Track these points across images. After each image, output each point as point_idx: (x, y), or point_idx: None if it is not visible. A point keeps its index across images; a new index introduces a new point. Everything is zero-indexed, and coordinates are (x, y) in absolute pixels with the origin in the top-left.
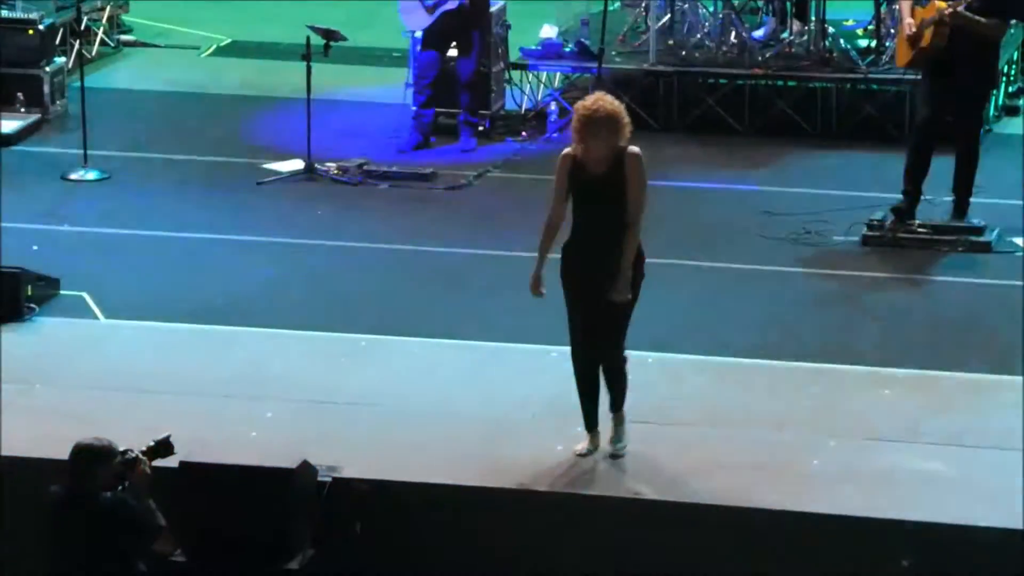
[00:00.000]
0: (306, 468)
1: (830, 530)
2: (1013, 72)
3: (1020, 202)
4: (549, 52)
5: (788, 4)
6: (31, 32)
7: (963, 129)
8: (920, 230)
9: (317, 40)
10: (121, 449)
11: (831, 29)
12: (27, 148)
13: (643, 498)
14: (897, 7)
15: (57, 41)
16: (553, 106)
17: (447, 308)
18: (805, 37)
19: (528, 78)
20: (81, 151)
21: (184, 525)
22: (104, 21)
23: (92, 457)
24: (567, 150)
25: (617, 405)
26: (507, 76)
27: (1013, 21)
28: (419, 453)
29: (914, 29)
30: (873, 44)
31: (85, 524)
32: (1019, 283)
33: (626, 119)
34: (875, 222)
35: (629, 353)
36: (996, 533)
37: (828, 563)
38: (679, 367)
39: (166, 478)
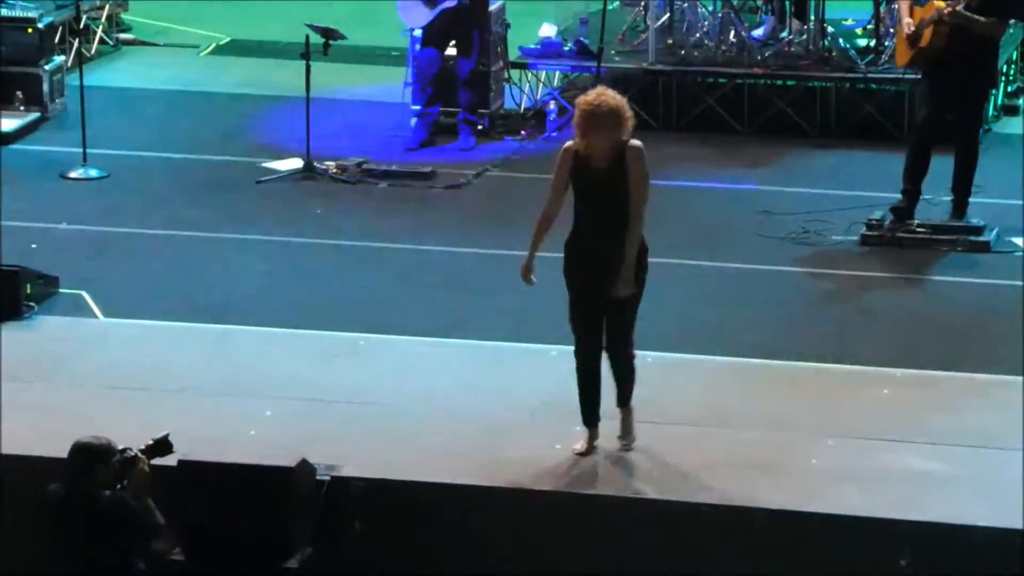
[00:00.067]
0: (305, 467)
1: (829, 529)
2: (1012, 71)
3: (1019, 202)
4: (548, 51)
5: (787, 3)
6: (30, 30)
7: (962, 128)
8: (919, 230)
9: (316, 39)
10: (120, 448)
11: (830, 28)
12: (26, 146)
13: (642, 497)
14: (896, 6)
15: (56, 39)
16: (552, 105)
17: (446, 307)
18: (804, 36)
19: (527, 77)
20: (80, 150)
21: (183, 524)
22: (103, 20)
23: (91, 456)
24: (569, 144)
25: (625, 400)
26: (506, 75)
27: (1012, 20)
28: (418, 452)
29: (913, 28)
30: (872, 43)
31: (84, 523)
32: (1018, 283)
33: (629, 113)
34: (874, 222)
35: None
36: (995, 533)
37: (827, 562)
38: (678, 366)
39: (165, 476)
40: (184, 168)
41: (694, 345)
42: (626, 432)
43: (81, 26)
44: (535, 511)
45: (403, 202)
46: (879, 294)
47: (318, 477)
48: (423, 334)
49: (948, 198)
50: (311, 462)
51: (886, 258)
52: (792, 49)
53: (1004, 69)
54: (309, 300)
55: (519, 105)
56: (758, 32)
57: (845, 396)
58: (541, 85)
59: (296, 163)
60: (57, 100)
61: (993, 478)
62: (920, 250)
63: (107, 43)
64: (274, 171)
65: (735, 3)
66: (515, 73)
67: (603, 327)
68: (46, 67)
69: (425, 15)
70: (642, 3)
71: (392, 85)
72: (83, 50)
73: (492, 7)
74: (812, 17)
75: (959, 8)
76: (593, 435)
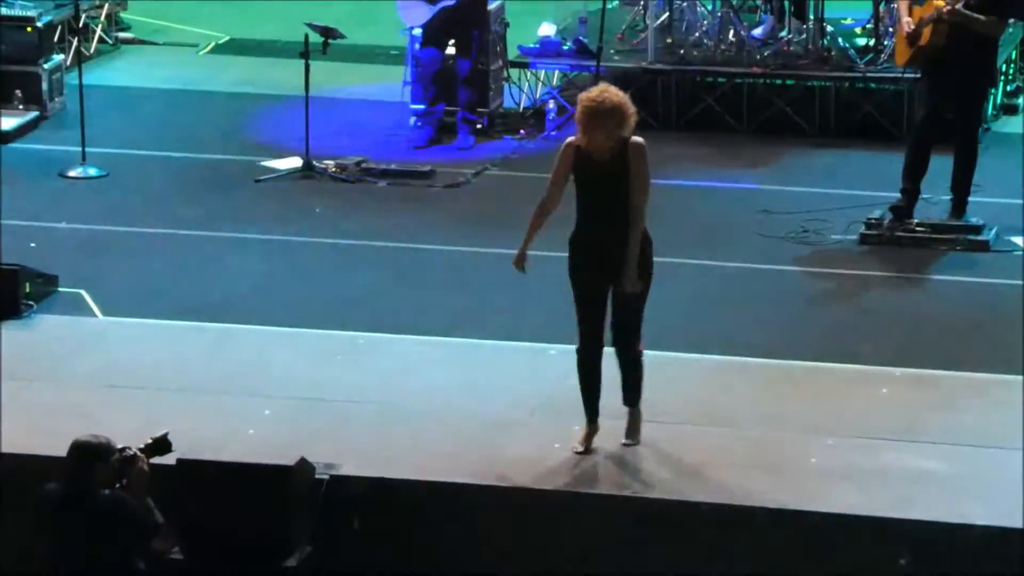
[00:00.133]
0: (304, 465)
1: (828, 529)
2: (1012, 71)
3: (1018, 201)
4: (547, 50)
5: (786, 3)
6: (29, 29)
7: (962, 127)
8: (918, 229)
9: (315, 38)
10: (119, 446)
11: (829, 28)
12: (25, 145)
13: (641, 496)
14: (895, 6)
15: (55, 38)
16: (551, 104)
17: (445, 306)
18: (803, 36)
19: (526, 76)
20: (79, 148)
21: (182, 522)
22: (102, 19)
23: (90, 454)
24: (570, 139)
25: (634, 400)
26: (505, 74)
27: (1011, 19)
28: (417, 451)
29: (913, 27)
30: (871, 43)
31: (83, 522)
32: (1017, 282)
33: (631, 110)
34: (873, 221)
35: None
36: (994, 532)
37: (826, 562)
38: (676, 365)
39: (164, 475)
40: (183, 167)
41: (693, 344)
42: (632, 432)
43: (80, 25)
44: (534, 510)
45: (402, 201)
46: (878, 293)
47: (317, 476)
48: (422, 333)
49: (947, 197)
50: (310, 461)
51: (885, 257)
52: (791, 48)
53: (1003, 68)
54: (308, 299)
55: (518, 104)
56: (757, 31)
57: (844, 395)
58: (540, 84)
59: (295, 162)
60: (56, 99)
61: (992, 477)
62: (919, 249)
63: (106, 42)
64: (273, 170)
65: (734, 2)
66: (514, 72)
67: (605, 325)
68: (45, 66)
69: (424, 14)
70: (641, 2)
71: (391, 84)
72: (82, 49)
73: (491, 6)
74: (811, 16)
75: (958, 7)
76: (593, 429)
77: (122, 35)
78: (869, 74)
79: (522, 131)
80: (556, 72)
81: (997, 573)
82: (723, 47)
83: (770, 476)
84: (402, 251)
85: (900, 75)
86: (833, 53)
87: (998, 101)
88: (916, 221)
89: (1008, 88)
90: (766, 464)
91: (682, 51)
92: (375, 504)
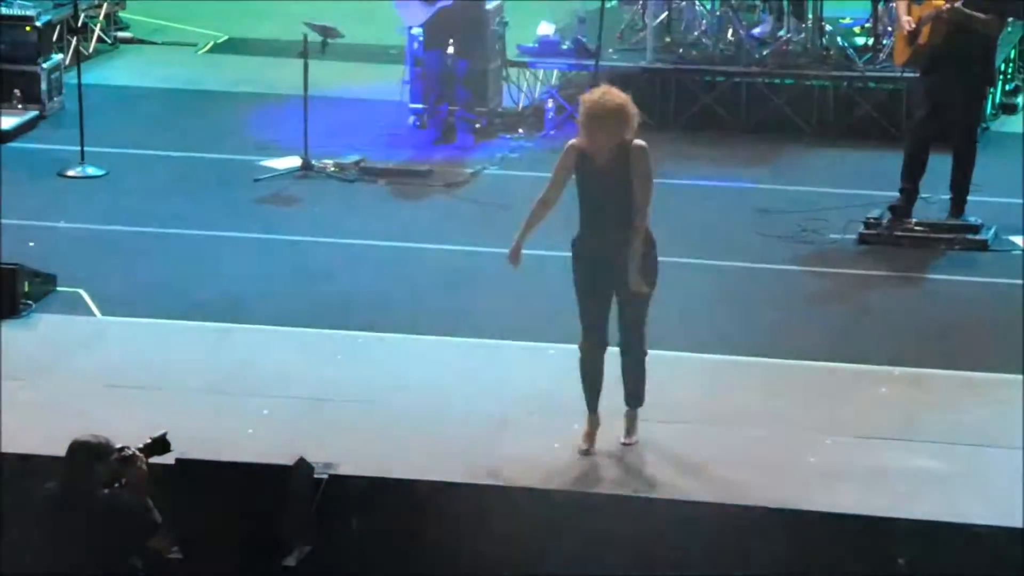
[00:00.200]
0: (302, 465)
1: (826, 528)
2: (1010, 70)
3: (1017, 200)
4: (546, 49)
5: (785, 2)
6: (28, 28)
7: (961, 127)
8: (917, 228)
9: (314, 37)
10: (118, 446)
11: (828, 27)
12: (24, 145)
13: (640, 496)
14: (894, 5)
15: (54, 38)
16: (550, 103)
17: (444, 305)
18: (802, 35)
19: (525, 75)
20: (78, 148)
21: (181, 522)
22: (101, 18)
23: (89, 454)
24: (572, 141)
25: (637, 401)
26: (504, 73)
27: (1010, 18)
28: (416, 450)
29: (913, 26)
30: (870, 42)
31: (82, 521)
32: (1016, 281)
33: (633, 111)
34: (872, 220)
35: None
36: (993, 531)
37: (824, 561)
38: (675, 365)
39: (163, 475)
40: (182, 166)
41: (692, 343)
42: (631, 432)
43: (79, 24)
44: (533, 509)
45: (401, 200)
46: (877, 293)
47: (316, 475)
48: (421, 332)
49: (946, 196)
50: (309, 460)
51: (884, 257)
52: (790, 47)
53: (1002, 67)
54: (307, 298)
55: (517, 103)
56: (756, 31)
57: (843, 394)
58: (539, 83)
59: (294, 161)
60: (55, 98)
61: (991, 476)
62: (918, 249)
63: (105, 41)
64: (272, 169)
65: (733, 2)
66: (513, 71)
67: (608, 322)
68: (44, 65)
69: (423, 13)
70: (640, 1)
71: (390, 83)
72: (81, 48)
73: (490, 5)
74: (810, 16)
75: (957, 5)
76: (594, 421)
77: (121, 34)
78: (868, 73)
79: (521, 130)
80: (555, 71)
81: (996, 573)
82: (722, 46)
83: (770, 476)
84: (401, 251)
85: (899, 74)
86: (832, 52)
87: (997, 100)
88: (915, 220)
89: (1007, 87)
90: (764, 463)
91: (681, 50)
92: (374, 504)
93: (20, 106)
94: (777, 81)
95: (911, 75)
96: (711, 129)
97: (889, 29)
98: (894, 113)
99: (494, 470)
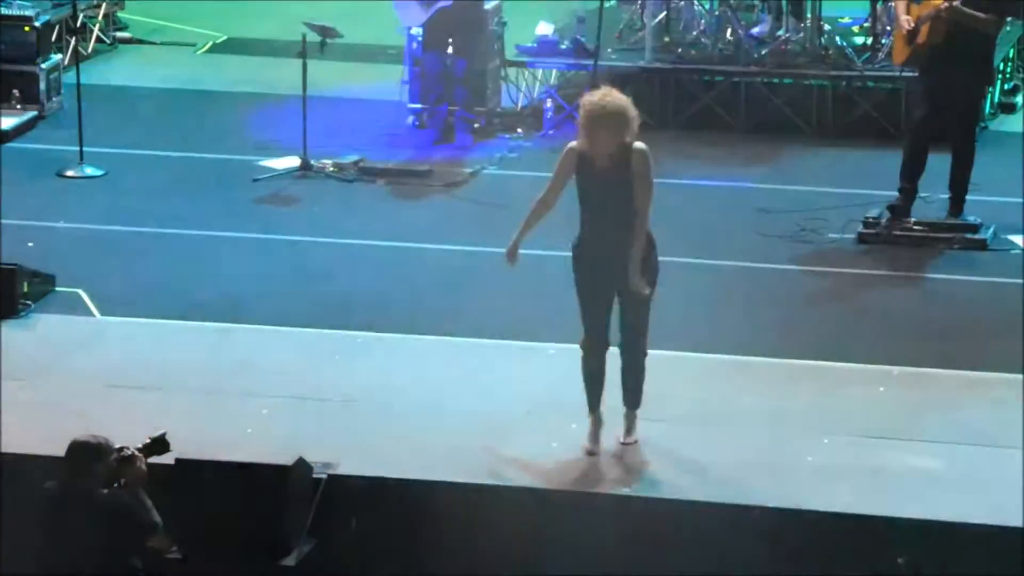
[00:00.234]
0: (301, 465)
1: (825, 527)
2: (1009, 69)
3: (1017, 199)
4: (545, 49)
5: (784, 1)
6: (27, 28)
7: (959, 126)
8: (916, 228)
9: (313, 37)
10: (117, 446)
11: (827, 26)
12: (23, 145)
13: (640, 496)
14: (892, 4)
15: (53, 38)
16: (549, 103)
17: (443, 305)
18: (801, 34)
19: (524, 75)
20: (77, 148)
21: (180, 522)
22: (100, 18)
23: (88, 454)
24: (572, 144)
25: (636, 402)
26: (503, 73)
27: (1009, 17)
28: (415, 450)
29: (911, 25)
30: (869, 41)
31: (81, 521)
32: (1015, 280)
33: (633, 113)
34: (871, 219)
35: None
36: (992, 531)
37: (823, 561)
38: (674, 364)
39: (162, 475)
40: (181, 166)
41: (689, 342)
42: (630, 431)
43: (78, 24)
44: (532, 509)
45: (400, 200)
46: (876, 292)
47: (315, 475)
48: (420, 332)
49: (945, 196)
50: (308, 460)
51: (883, 256)
52: (789, 47)
53: (1001, 66)
54: (306, 298)
55: (516, 103)
56: (755, 30)
57: (842, 394)
58: (538, 83)
59: (293, 161)
60: (54, 98)
61: (990, 476)
62: (917, 248)
63: (104, 41)
64: (271, 169)
65: (732, 1)
66: (512, 71)
67: (610, 322)
68: (43, 65)
69: (422, 14)
70: (639, 1)
71: (389, 83)
72: (80, 48)
73: (489, 5)
74: (809, 15)
75: (956, 4)
76: (597, 419)
77: (120, 34)
78: (867, 73)
79: (519, 130)
80: (554, 71)
81: (996, 572)
82: (721, 46)
83: (769, 475)
84: (400, 251)
85: (898, 74)
86: (831, 52)
87: (996, 99)
88: (914, 220)
89: (1006, 86)
90: (763, 463)
91: (680, 50)
92: (373, 503)
93: (19, 106)
94: (776, 81)
95: (910, 74)
96: (710, 129)
97: (888, 28)
98: (893, 113)
99: (493, 470)
